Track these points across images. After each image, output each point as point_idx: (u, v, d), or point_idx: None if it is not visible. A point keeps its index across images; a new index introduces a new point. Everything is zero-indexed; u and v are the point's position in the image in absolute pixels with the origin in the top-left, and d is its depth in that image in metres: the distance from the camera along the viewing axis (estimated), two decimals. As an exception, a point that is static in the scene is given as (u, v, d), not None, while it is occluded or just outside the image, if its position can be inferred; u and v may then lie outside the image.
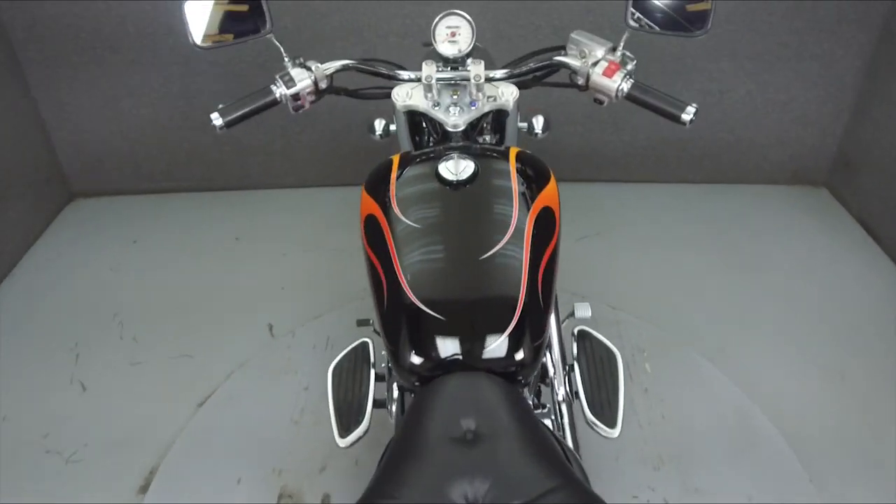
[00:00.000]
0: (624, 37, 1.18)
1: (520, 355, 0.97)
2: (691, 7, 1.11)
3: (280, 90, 1.22)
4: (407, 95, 1.31)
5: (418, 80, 1.30)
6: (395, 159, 1.27)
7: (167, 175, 3.02)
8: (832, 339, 2.22)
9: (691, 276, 2.52)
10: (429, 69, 1.26)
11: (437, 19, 1.28)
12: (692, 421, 1.93)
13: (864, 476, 1.80)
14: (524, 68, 1.29)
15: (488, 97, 1.31)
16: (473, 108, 1.30)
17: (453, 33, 1.29)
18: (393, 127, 1.59)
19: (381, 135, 1.60)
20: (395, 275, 1.04)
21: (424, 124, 1.50)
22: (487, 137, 1.53)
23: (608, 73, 1.17)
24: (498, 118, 1.42)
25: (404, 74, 1.31)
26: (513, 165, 1.21)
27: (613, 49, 1.20)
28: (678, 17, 1.12)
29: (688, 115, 1.12)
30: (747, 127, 2.84)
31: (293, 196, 3.03)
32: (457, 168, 1.17)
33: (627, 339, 2.23)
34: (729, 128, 2.84)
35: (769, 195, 2.97)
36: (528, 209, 1.14)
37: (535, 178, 1.21)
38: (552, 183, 1.21)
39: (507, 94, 1.31)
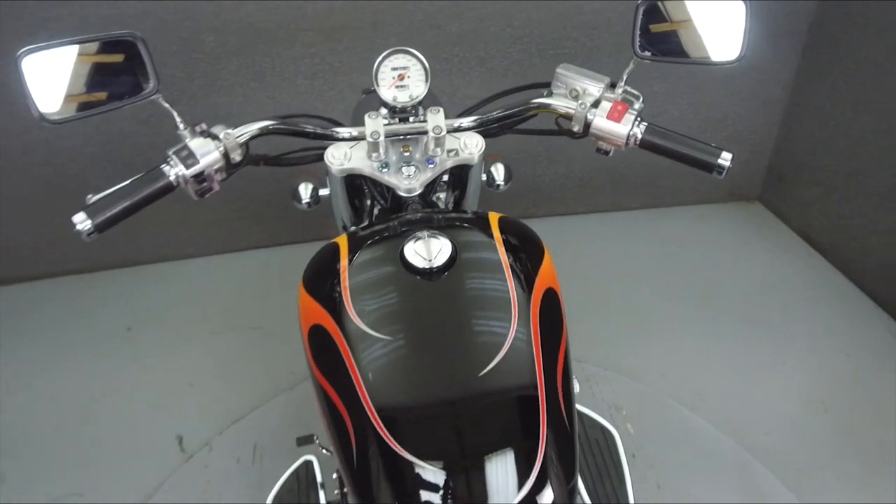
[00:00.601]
0: (628, 69, 0.94)
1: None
2: (718, 29, 0.89)
3: (176, 171, 0.88)
4: (345, 157, 1.01)
5: (361, 137, 1.00)
6: (342, 243, 0.97)
7: (34, 258, 2.51)
8: (804, 362, 2.10)
9: (647, 311, 2.34)
10: (374, 124, 0.97)
11: (380, 59, 0.99)
12: (691, 486, 1.71)
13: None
14: (497, 114, 1.01)
15: (448, 151, 1.04)
16: (431, 166, 1.03)
17: (401, 76, 1.00)
18: (324, 191, 1.27)
19: (308, 202, 1.28)
20: (363, 411, 0.77)
21: (367, 188, 1.19)
22: (443, 196, 1.24)
23: (614, 115, 0.92)
24: (458, 173, 1.14)
25: (343, 132, 1.01)
26: (498, 239, 0.93)
27: (612, 85, 0.96)
28: (701, 42, 0.89)
29: (724, 161, 0.89)
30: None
31: (195, 268, 2.60)
32: (429, 250, 0.88)
33: (602, 397, 1.99)
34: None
35: (707, 215, 2.88)
36: (529, 296, 0.87)
37: (525, 251, 0.94)
38: (547, 256, 0.95)
39: (472, 147, 1.04)
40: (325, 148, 1.04)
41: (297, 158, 1.08)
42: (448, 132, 1.00)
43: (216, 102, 2.23)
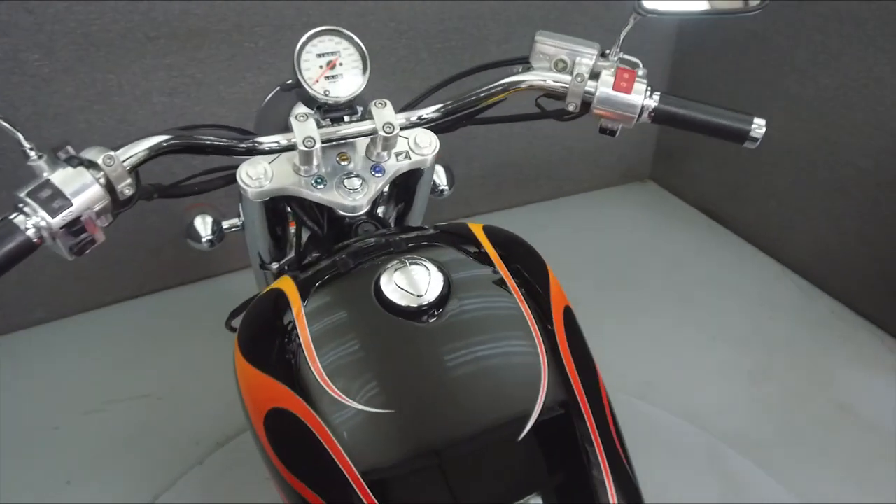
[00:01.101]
0: (625, 31, 0.78)
1: None
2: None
3: (36, 221, 0.59)
4: (265, 175, 0.77)
5: (290, 147, 0.76)
6: (287, 289, 0.73)
7: None
8: (733, 334, 2.09)
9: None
10: (306, 127, 0.74)
11: (301, 43, 0.76)
12: (667, 478, 1.60)
13: None
14: (465, 101, 0.81)
15: (397, 155, 0.83)
16: (379, 175, 0.81)
17: (331, 64, 0.78)
18: (229, 223, 1.02)
19: (210, 240, 1.01)
20: None
21: (293, 213, 0.95)
22: (381, 210, 1.03)
23: (622, 85, 0.76)
24: (403, 182, 0.93)
25: (266, 142, 0.76)
26: (494, 256, 0.74)
27: (603, 54, 0.80)
28: None
29: (758, 129, 0.75)
30: (577, 136, 2.67)
31: (50, 334, 2.15)
32: (413, 282, 0.67)
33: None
34: (560, 140, 2.65)
35: (606, 199, 2.86)
36: (550, 323, 0.69)
37: (526, 265, 0.76)
38: (546, 265, 0.77)
39: (425, 146, 0.84)
40: (235, 167, 0.79)
41: (201, 185, 0.81)
42: (403, 129, 0.79)
43: (51, 134, 1.83)
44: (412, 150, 0.85)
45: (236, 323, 0.78)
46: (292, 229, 1.02)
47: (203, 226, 1.00)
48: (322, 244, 0.89)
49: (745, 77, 2.33)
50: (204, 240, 0.99)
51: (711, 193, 2.66)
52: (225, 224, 1.01)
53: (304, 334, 0.66)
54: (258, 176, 0.77)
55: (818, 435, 1.77)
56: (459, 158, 2.50)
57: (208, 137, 0.73)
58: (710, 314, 2.19)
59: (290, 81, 0.81)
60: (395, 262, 0.69)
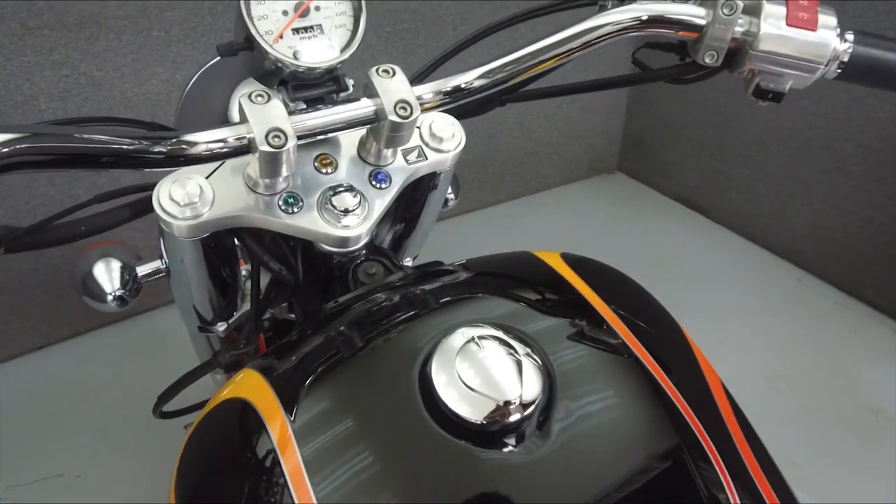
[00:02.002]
0: None
1: None
2: None
3: None
4: (200, 197, 0.45)
5: (240, 149, 0.44)
6: (255, 395, 0.41)
7: None
8: (739, 335, 1.88)
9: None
10: (270, 113, 0.43)
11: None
12: None
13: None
14: (528, 60, 0.52)
15: (406, 153, 0.54)
16: (384, 187, 0.50)
17: (303, 8, 0.47)
18: (147, 268, 0.69)
19: (121, 296, 0.68)
20: None
21: (243, 245, 0.63)
22: (386, 234, 0.72)
23: (799, 17, 0.49)
24: (409, 192, 0.63)
25: (199, 142, 0.43)
26: (605, 310, 0.45)
27: None
28: None
29: None
30: (541, 127, 2.42)
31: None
32: (492, 377, 0.36)
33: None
34: (525, 132, 2.40)
35: (574, 194, 2.63)
36: (720, 421, 0.40)
37: (650, 322, 0.47)
38: (666, 312, 0.49)
39: (448, 138, 0.55)
40: (148, 186, 0.48)
41: (91, 223, 0.49)
42: (425, 110, 0.49)
43: None
44: (428, 146, 0.56)
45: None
46: (245, 270, 0.70)
47: (107, 275, 0.67)
48: (299, 297, 0.58)
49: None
50: (109, 297, 0.66)
51: (690, 182, 2.46)
52: (142, 270, 0.68)
53: (298, 482, 0.35)
54: (189, 200, 0.46)
55: (853, 446, 1.57)
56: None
57: (98, 138, 0.41)
58: (711, 316, 1.97)
59: (234, 42, 0.50)
60: (449, 339, 0.39)
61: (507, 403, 0.36)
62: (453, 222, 2.41)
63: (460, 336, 0.39)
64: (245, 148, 0.44)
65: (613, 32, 0.51)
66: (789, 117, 2.01)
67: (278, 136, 0.43)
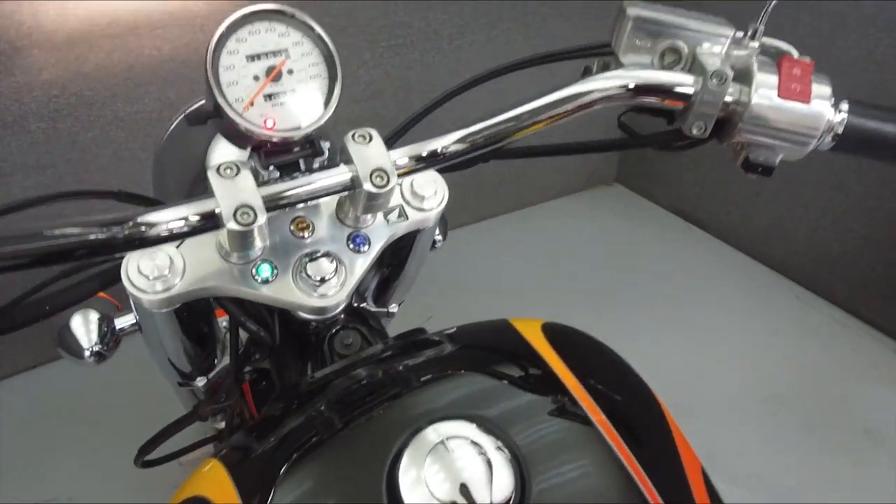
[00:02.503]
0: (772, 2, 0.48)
1: None
2: None
3: None
4: (170, 269, 0.43)
5: (207, 224, 0.42)
6: (218, 498, 0.39)
7: None
8: (737, 353, 1.86)
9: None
10: (238, 190, 0.41)
11: (217, 36, 0.43)
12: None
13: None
14: (509, 124, 0.50)
15: (387, 213, 0.52)
16: (364, 250, 0.48)
17: (275, 71, 0.45)
18: (125, 321, 0.68)
19: (98, 351, 0.67)
20: None
21: (220, 304, 0.61)
22: (371, 281, 0.70)
23: (792, 89, 0.47)
24: (393, 246, 0.61)
25: (162, 222, 0.41)
26: (579, 391, 0.43)
27: (744, 35, 0.50)
28: None
29: None
30: (539, 136, 2.40)
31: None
32: (460, 480, 0.34)
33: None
34: (522, 140, 2.37)
35: (573, 206, 2.61)
36: (688, 494, 0.39)
37: (630, 404, 0.46)
38: (657, 397, 0.48)
39: (430, 196, 0.53)
40: (117, 261, 0.46)
41: (52, 303, 0.48)
42: (402, 176, 0.47)
43: None
44: (410, 204, 0.54)
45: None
46: (223, 321, 0.69)
47: (84, 328, 0.65)
48: (277, 359, 0.57)
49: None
50: (87, 353, 0.64)
51: (688, 194, 2.44)
52: (120, 323, 0.67)
53: None
54: (160, 273, 0.45)
55: (851, 472, 1.55)
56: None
57: (45, 235, 0.37)
58: (708, 334, 1.96)
59: (199, 104, 0.48)
60: (419, 438, 0.38)
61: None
62: (454, 235, 2.39)
63: (431, 434, 0.38)
64: (214, 224, 0.42)
65: (598, 100, 0.49)
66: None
67: (247, 213, 0.41)
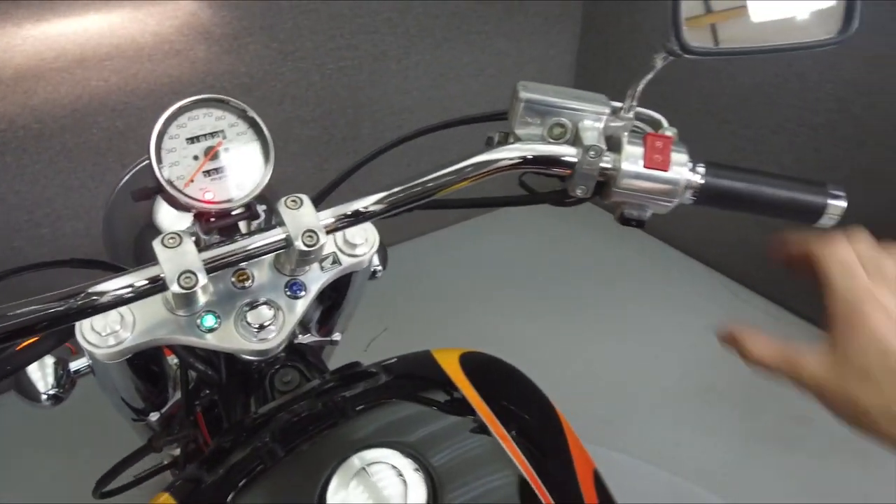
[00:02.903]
0: (647, 78, 0.57)
1: None
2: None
3: None
4: (121, 324, 0.50)
5: (155, 287, 0.48)
6: None
7: None
8: (679, 352, 1.98)
9: (514, 341, 2.05)
10: (180, 258, 0.47)
11: (159, 127, 0.49)
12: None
13: None
14: (420, 189, 0.57)
15: (321, 261, 0.59)
16: (301, 296, 0.55)
17: (212, 151, 0.51)
18: (80, 364, 0.72)
19: (55, 393, 0.71)
20: None
21: (170, 348, 0.67)
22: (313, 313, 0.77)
23: (655, 159, 0.55)
24: (331, 285, 0.68)
25: (110, 290, 0.47)
26: (485, 412, 0.51)
27: (616, 110, 0.58)
28: (792, 18, 0.55)
29: (835, 206, 0.57)
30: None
31: None
32: (381, 499, 0.42)
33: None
34: (478, 145, 2.45)
35: (520, 213, 2.65)
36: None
37: (533, 418, 0.54)
38: (558, 413, 0.56)
39: (361, 243, 0.59)
40: (68, 323, 0.51)
41: (4, 366, 0.53)
42: (330, 233, 0.54)
43: None
44: (342, 252, 0.60)
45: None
46: (173, 359, 0.74)
47: (41, 372, 0.70)
48: (224, 396, 0.63)
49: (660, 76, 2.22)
50: (43, 397, 0.69)
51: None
52: (74, 366, 0.71)
53: None
54: (111, 329, 0.50)
55: (782, 456, 1.68)
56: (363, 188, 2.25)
57: (9, 315, 0.42)
58: (648, 332, 2.07)
59: (143, 163, 0.54)
60: (345, 465, 0.44)
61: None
62: (404, 248, 2.46)
63: (356, 461, 0.44)
64: (160, 287, 0.48)
65: (503, 167, 0.56)
66: (717, 140, 2.12)
67: (189, 278, 0.47)
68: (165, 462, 0.87)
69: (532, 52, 2.34)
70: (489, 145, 0.58)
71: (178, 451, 0.85)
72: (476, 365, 0.57)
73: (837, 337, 0.46)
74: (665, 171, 0.55)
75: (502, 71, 2.30)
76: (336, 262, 0.60)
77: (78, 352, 0.72)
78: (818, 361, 0.46)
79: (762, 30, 0.54)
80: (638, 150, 0.55)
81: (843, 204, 0.57)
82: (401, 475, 0.44)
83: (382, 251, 0.89)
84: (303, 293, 0.57)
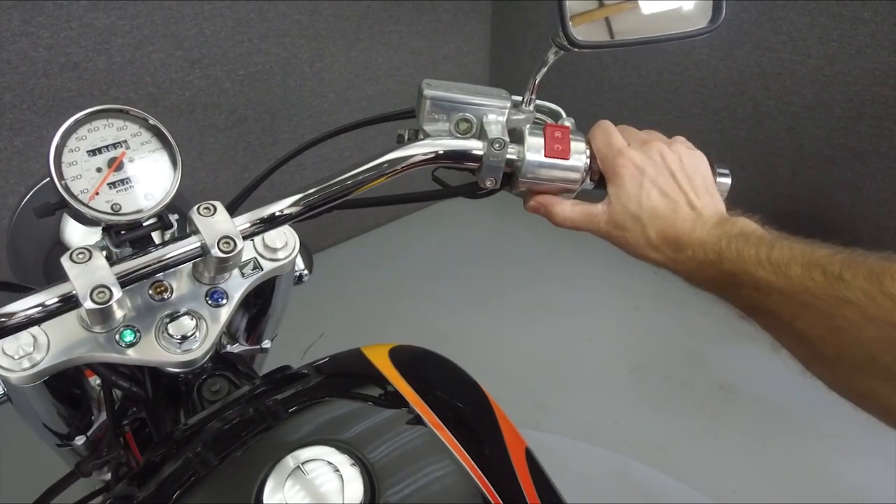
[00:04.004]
0: (542, 72, 0.59)
1: None
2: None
3: None
4: (35, 346, 0.48)
5: (68, 305, 0.47)
6: None
7: None
8: (606, 333, 2.05)
9: (465, 336, 2.07)
10: (92, 273, 0.46)
11: (56, 141, 0.47)
12: None
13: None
14: (335, 188, 0.57)
15: (241, 267, 0.58)
16: (222, 304, 0.55)
17: (115, 163, 0.50)
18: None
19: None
20: None
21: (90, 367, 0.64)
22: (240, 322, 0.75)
23: (555, 149, 0.57)
24: (256, 290, 0.67)
25: (19, 311, 0.45)
26: (417, 402, 0.52)
27: (517, 104, 0.61)
28: (661, 11, 0.58)
29: (722, 182, 0.61)
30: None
31: None
32: (319, 497, 0.43)
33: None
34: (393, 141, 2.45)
35: (446, 208, 2.71)
36: (515, 482, 0.50)
37: (464, 404, 0.56)
38: (487, 395, 0.57)
39: (282, 247, 0.59)
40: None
41: None
42: (247, 238, 0.53)
43: None
44: (263, 257, 0.60)
45: None
46: (95, 380, 0.71)
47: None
48: (151, 411, 0.61)
49: (570, 70, 2.30)
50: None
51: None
52: None
53: None
54: (24, 352, 0.48)
55: (709, 424, 1.77)
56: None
57: None
58: (580, 316, 2.14)
59: (44, 182, 0.51)
60: (279, 466, 0.44)
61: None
62: (334, 252, 2.44)
63: (290, 461, 0.44)
64: (72, 304, 0.46)
65: (415, 163, 0.58)
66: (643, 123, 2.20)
67: (102, 293, 0.45)
68: (97, 487, 0.84)
69: (446, 49, 2.36)
70: (400, 143, 0.59)
71: (108, 476, 0.82)
72: (406, 358, 0.58)
73: (610, 192, 0.57)
74: (566, 159, 0.58)
75: (418, 69, 2.31)
76: (257, 267, 0.59)
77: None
78: (603, 213, 0.57)
79: (643, 23, 0.58)
80: (539, 141, 0.58)
81: (729, 181, 0.61)
82: (337, 471, 0.44)
83: (307, 255, 0.88)
84: (224, 301, 0.56)
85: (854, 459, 1.63)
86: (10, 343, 0.48)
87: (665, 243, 0.55)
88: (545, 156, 0.58)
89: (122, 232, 0.50)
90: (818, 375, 0.47)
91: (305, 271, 0.88)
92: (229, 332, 0.75)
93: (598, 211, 0.57)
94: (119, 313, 0.49)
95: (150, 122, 0.50)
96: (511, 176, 0.59)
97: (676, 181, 0.56)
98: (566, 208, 0.58)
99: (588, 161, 0.59)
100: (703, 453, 1.68)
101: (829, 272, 0.45)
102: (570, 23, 0.54)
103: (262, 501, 0.42)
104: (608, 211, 0.57)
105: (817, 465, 1.64)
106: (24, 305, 0.44)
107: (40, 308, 0.44)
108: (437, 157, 0.58)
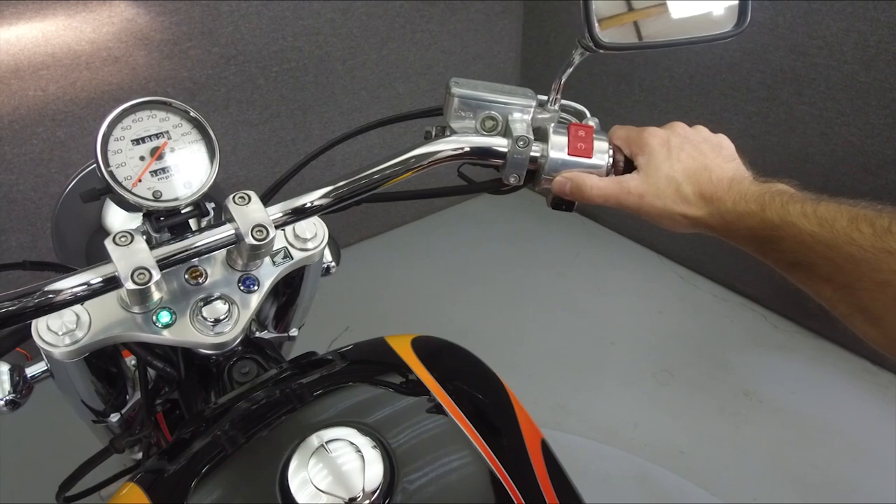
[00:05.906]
0: (567, 72, 0.60)
1: None
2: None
3: None
4: (77, 324, 0.51)
5: (110, 285, 0.49)
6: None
7: None
8: (628, 338, 2.04)
9: (490, 334, 2.09)
10: (133, 255, 0.49)
11: (102, 130, 0.50)
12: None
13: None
14: (364, 181, 0.59)
15: (273, 255, 0.60)
16: (254, 290, 0.57)
17: (157, 152, 0.53)
18: (35, 369, 0.72)
19: (10, 401, 0.71)
20: None
21: (128, 347, 0.67)
22: (269, 309, 0.78)
23: (578, 147, 0.59)
24: (285, 280, 0.69)
25: (65, 288, 0.48)
26: (437, 390, 0.54)
27: (542, 103, 0.62)
28: (686, 14, 0.59)
29: None
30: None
31: None
32: (340, 477, 0.46)
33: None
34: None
35: (474, 207, 2.73)
36: (531, 473, 0.52)
37: (484, 395, 0.57)
38: (506, 388, 0.59)
39: (311, 237, 0.61)
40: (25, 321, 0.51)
41: None
42: (279, 227, 0.55)
43: None
44: (293, 246, 0.62)
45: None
46: (131, 359, 0.74)
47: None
48: (183, 391, 0.64)
49: (600, 70, 2.29)
50: (1, 402, 0.68)
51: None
52: (31, 371, 0.71)
53: None
54: (67, 328, 0.51)
55: (730, 430, 1.75)
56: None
57: None
58: (604, 319, 2.13)
59: (90, 167, 0.54)
60: (304, 444, 0.46)
61: (353, 500, 0.43)
62: (361, 248, 2.47)
63: (314, 440, 0.46)
64: (113, 285, 0.49)
65: (441, 159, 0.59)
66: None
67: (143, 274, 0.48)
68: (129, 465, 0.87)
69: (477, 48, 2.38)
70: (427, 139, 0.61)
71: (140, 455, 0.85)
72: (428, 348, 0.60)
73: (640, 162, 0.59)
74: (588, 158, 0.59)
75: (448, 68, 2.33)
76: (288, 256, 0.61)
77: (33, 357, 0.72)
78: (634, 179, 0.58)
79: (668, 26, 0.59)
80: (563, 140, 0.59)
81: None
82: (359, 452, 0.46)
83: (335, 248, 0.90)
84: (256, 287, 0.59)
85: (879, 473, 1.60)
86: (54, 320, 0.51)
87: (702, 198, 0.56)
88: (568, 154, 0.59)
89: (162, 218, 0.53)
90: (859, 330, 0.47)
91: (333, 263, 0.90)
92: (259, 319, 0.78)
93: (629, 178, 0.58)
94: (157, 295, 0.52)
95: (191, 114, 0.52)
96: (534, 173, 0.61)
97: (704, 149, 0.58)
98: (595, 180, 0.58)
99: (610, 161, 0.60)
100: (723, 459, 1.67)
101: (877, 225, 0.45)
102: (598, 25, 0.55)
103: (287, 477, 0.45)
104: (640, 177, 0.58)
105: (841, 476, 1.61)
106: (69, 283, 0.47)
107: (85, 287, 0.47)
108: (463, 154, 0.59)
